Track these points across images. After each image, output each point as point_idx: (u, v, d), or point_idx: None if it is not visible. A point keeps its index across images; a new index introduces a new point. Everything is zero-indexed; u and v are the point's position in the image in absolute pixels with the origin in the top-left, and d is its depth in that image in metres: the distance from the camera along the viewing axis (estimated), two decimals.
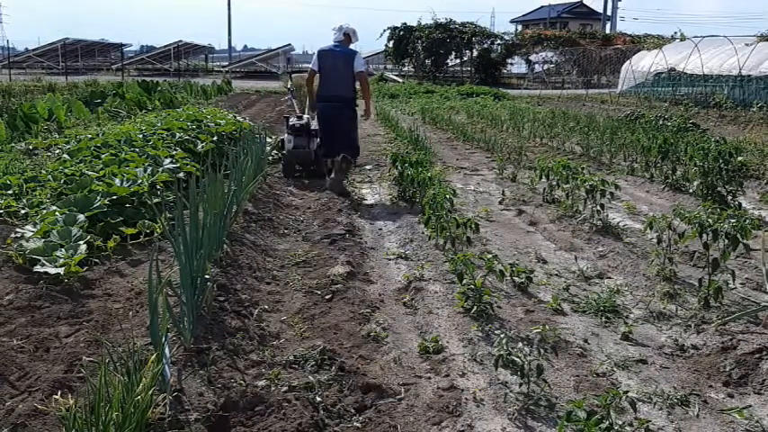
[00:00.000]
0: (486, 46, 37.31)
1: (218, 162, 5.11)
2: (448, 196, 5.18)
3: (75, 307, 3.55)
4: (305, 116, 8.01)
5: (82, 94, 15.97)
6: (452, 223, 4.70)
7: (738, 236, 3.79)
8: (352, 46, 7.38)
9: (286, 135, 7.86)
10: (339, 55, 7.11)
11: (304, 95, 11.59)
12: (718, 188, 6.27)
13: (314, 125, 7.98)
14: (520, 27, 52.55)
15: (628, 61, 25.44)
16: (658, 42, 27.78)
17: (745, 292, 4.11)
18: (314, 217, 6.08)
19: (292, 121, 7.88)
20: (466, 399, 2.80)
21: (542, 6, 58.60)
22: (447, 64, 38.76)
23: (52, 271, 3.85)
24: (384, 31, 38.27)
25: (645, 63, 24.16)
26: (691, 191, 6.80)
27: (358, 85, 7.28)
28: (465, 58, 39.07)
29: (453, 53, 38.10)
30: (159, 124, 8.54)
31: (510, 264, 4.22)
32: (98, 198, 4.96)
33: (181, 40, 44.38)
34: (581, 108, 18.55)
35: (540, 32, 39.19)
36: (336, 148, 7.06)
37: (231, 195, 4.60)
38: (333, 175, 7.07)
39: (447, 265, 4.39)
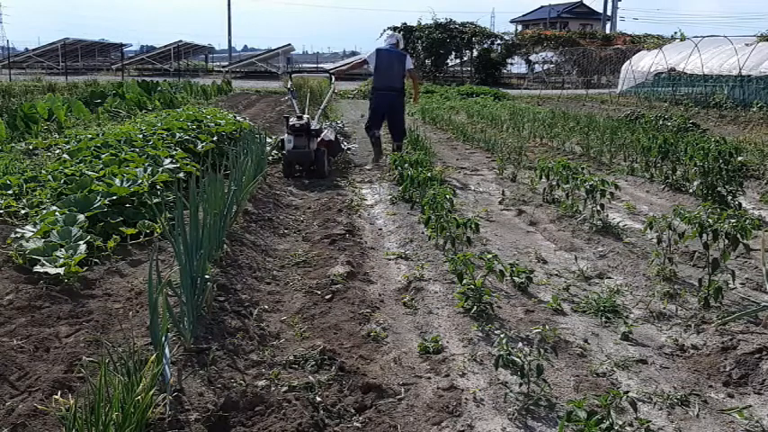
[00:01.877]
0: (486, 46, 37.29)
1: (218, 162, 5.11)
2: (448, 196, 5.19)
3: (75, 307, 3.55)
4: (305, 116, 8.01)
5: (82, 94, 15.96)
6: (452, 223, 4.70)
7: (738, 236, 3.79)
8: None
9: (286, 135, 7.86)
10: (394, 55, 8.70)
11: (304, 95, 11.60)
12: (719, 188, 6.26)
13: (314, 125, 7.99)
14: (520, 27, 52.55)
15: (628, 61, 25.44)
16: (658, 42, 27.80)
17: (745, 292, 4.11)
18: (314, 217, 6.08)
19: (292, 121, 7.88)
20: (466, 399, 2.80)
21: (542, 6, 58.66)
22: (447, 64, 38.73)
23: (52, 271, 3.85)
24: (384, 31, 38.22)
25: (645, 63, 24.17)
26: (691, 191, 6.80)
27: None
28: (465, 58, 39.05)
29: (453, 53, 38.08)
30: (159, 124, 8.54)
31: (510, 264, 4.22)
32: (98, 198, 4.97)
33: (181, 41, 44.39)
34: (581, 108, 18.55)
35: (540, 32, 39.20)
36: (392, 130, 9.02)
37: (231, 195, 4.60)
38: (378, 150, 8.92)
39: (447, 265, 4.38)
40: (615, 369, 3.10)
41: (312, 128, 7.84)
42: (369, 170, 8.59)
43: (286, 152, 7.82)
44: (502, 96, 23.11)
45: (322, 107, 9.55)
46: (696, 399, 2.84)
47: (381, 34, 38.40)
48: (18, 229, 4.53)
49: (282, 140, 8.00)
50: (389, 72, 8.60)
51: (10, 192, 5.63)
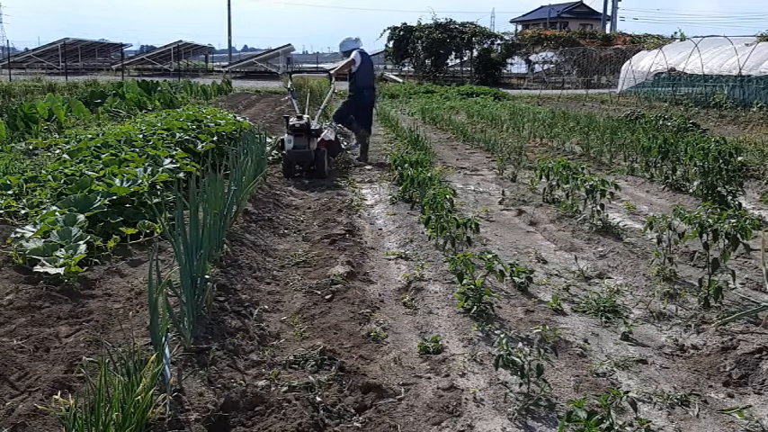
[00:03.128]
0: (486, 46, 37.30)
1: (218, 162, 5.11)
2: (448, 196, 5.19)
3: (75, 307, 3.55)
4: (305, 116, 8.01)
5: (82, 94, 15.96)
6: (452, 223, 4.70)
7: (738, 236, 3.79)
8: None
9: (286, 135, 7.87)
10: (371, 58, 9.70)
11: (304, 95, 11.60)
12: (718, 188, 6.26)
13: (314, 125, 7.98)
14: (520, 27, 52.56)
15: (628, 61, 25.44)
16: (658, 42, 27.79)
17: (745, 292, 4.11)
18: (314, 217, 6.08)
19: (292, 121, 7.89)
20: (466, 399, 2.80)
21: (542, 6, 58.63)
22: (447, 64, 38.76)
23: (52, 271, 3.85)
24: (384, 31, 38.29)
25: (645, 63, 24.17)
26: (691, 191, 6.80)
27: None
28: (465, 59, 39.07)
29: (453, 53, 38.09)
30: (159, 124, 8.54)
31: (510, 264, 4.22)
32: (98, 198, 4.97)
33: (181, 41, 44.38)
34: (581, 108, 18.55)
35: (540, 32, 39.21)
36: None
37: (231, 195, 4.60)
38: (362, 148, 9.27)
39: (447, 265, 4.38)
40: (615, 369, 3.10)
41: (312, 128, 7.84)
42: (369, 170, 8.59)
43: (286, 152, 7.82)
44: (502, 96, 23.11)
45: (322, 107, 9.55)
46: (696, 399, 2.84)
47: (381, 34, 38.55)
48: (18, 229, 4.53)
49: (282, 140, 8.01)
50: (370, 72, 9.46)
51: (10, 192, 5.63)
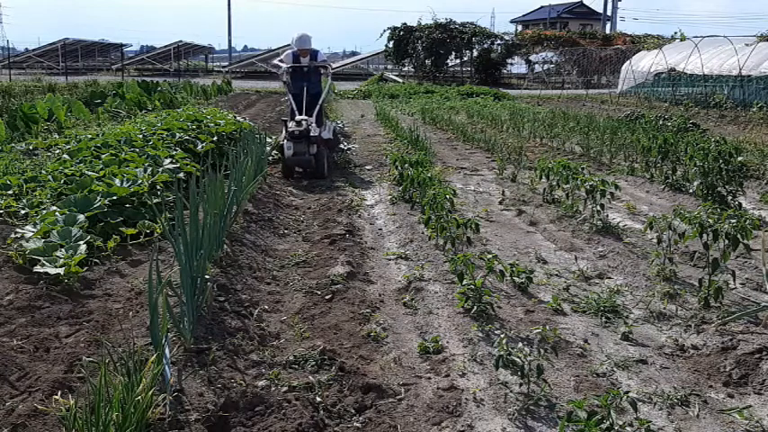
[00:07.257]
0: (486, 46, 37.29)
1: (218, 162, 5.11)
2: (448, 196, 5.19)
3: (75, 307, 3.55)
4: (303, 121, 7.66)
5: (82, 95, 15.96)
6: (452, 223, 4.70)
7: (738, 236, 3.79)
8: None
9: (285, 142, 7.60)
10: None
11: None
12: (719, 188, 6.26)
13: (313, 131, 7.75)
14: (520, 27, 52.62)
15: (628, 61, 25.44)
16: (658, 42, 27.77)
17: (745, 292, 4.11)
18: (314, 217, 6.08)
19: (291, 127, 7.57)
20: (466, 399, 2.80)
21: (542, 6, 58.68)
22: (447, 64, 38.73)
23: (52, 271, 3.85)
24: (384, 31, 38.23)
25: (645, 63, 24.16)
26: (691, 191, 6.80)
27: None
28: (465, 59, 39.05)
29: (453, 53, 38.07)
30: (159, 124, 8.53)
31: (510, 264, 4.22)
32: (98, 198, 4.97)
33: (181, 41, 44.40)
34: (581, 108, 18.54)
35: (540, 32, 39.27)
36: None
37: (231, 195, 4.60)
38: None
39: (447, 266, 4.39)
40: (615, 369, 3.10)
41: (312, 134, 7.57)
42: (369, 170, 8.59)
43: (286, 158, 7.66)
44: (502, 96, 23.10)
45: (319, 105, 9.30)
46: (696, 399, 2.84)
47: (381, 34, 38.58)
48: (18, 230, 4.53)
49: (282, 144, 7.83)
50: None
51: (10, 192, 5.63)
